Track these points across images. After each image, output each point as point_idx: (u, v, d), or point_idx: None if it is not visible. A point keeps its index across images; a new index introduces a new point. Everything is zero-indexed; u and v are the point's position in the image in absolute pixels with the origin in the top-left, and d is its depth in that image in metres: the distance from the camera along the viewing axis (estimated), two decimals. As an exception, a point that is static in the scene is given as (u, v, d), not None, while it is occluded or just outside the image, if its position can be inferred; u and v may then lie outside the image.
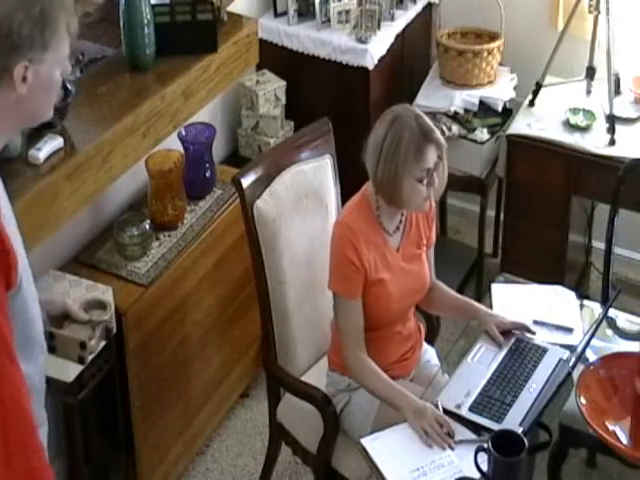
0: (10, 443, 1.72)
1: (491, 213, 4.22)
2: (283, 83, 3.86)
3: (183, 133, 3.36)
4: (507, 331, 2.77)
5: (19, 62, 1.74)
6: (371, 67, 3.80)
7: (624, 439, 2.41)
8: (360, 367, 2.70)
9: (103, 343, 2.29)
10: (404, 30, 3.99)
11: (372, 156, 2.63)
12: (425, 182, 2.60)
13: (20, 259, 1.82)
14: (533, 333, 2.77)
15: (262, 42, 3.63)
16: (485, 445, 2.26)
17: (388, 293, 2.73)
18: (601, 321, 2.77)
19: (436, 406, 2.53)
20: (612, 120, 3.68)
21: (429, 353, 3.04)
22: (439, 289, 2.93)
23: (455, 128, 3.91)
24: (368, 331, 2.73)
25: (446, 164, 2.66)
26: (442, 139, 2.61)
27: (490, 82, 3.99)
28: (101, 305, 2.28)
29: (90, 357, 2.21)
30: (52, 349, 2.13)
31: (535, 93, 3.89)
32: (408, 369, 2.91)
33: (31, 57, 1.75)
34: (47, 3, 1.75)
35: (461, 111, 3.95)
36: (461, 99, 3.94)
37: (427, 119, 2.61)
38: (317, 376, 2.99)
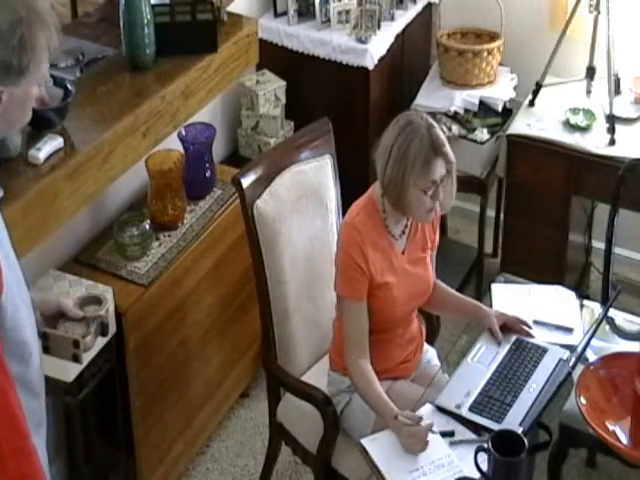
0: (2, 449, 1.72)
1: (491, 213, 4.22)
2: (283, 83, 3.85)
3: (183, 133, 3.35)
4: (507, 329, 2.78)
5: None
6: (371, 67, 3.80)
7: (624, 439, 2.41)
8: (357, 374, 2.70)
9: (101, 340, 2.27)
10: (404, 30, 3.99)
11: (381, 157, 2.63)
12: (430, 194, 2.59)
13: (7, 264, 1.81)
14: (532, 336, 2.77)
15: (262, 42, 3.63)
16: (485, 445, 2.27)
17: (393, 296, 2.73)
18: (601, 321, 2.77)
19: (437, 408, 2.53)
20: (612, 120, 3.68)
21: (430, 353, 3.04)
22: (440, 289, 2.93)
23: (455, 128, 3.91)
24: (371, 334, 2.73)
25: (455, 180, 2.65)
26: (452, 154, 2.59)
27: (490, 82, 3.99)
28: (97, 301, 2.27)
29: (85, 355, 2.19)
30: (46, 349, 2.12)
31: (535, 93, 3.89)
32: (410, 370, 2.91)
33: (7, 82, 1.71)
34: (26, 28, 1.69)
35: (461, 111, 3.95)
36: (461, 99, 3.94)
37: (439, 131, 2.60)
38: (317, 376, 2.99)
